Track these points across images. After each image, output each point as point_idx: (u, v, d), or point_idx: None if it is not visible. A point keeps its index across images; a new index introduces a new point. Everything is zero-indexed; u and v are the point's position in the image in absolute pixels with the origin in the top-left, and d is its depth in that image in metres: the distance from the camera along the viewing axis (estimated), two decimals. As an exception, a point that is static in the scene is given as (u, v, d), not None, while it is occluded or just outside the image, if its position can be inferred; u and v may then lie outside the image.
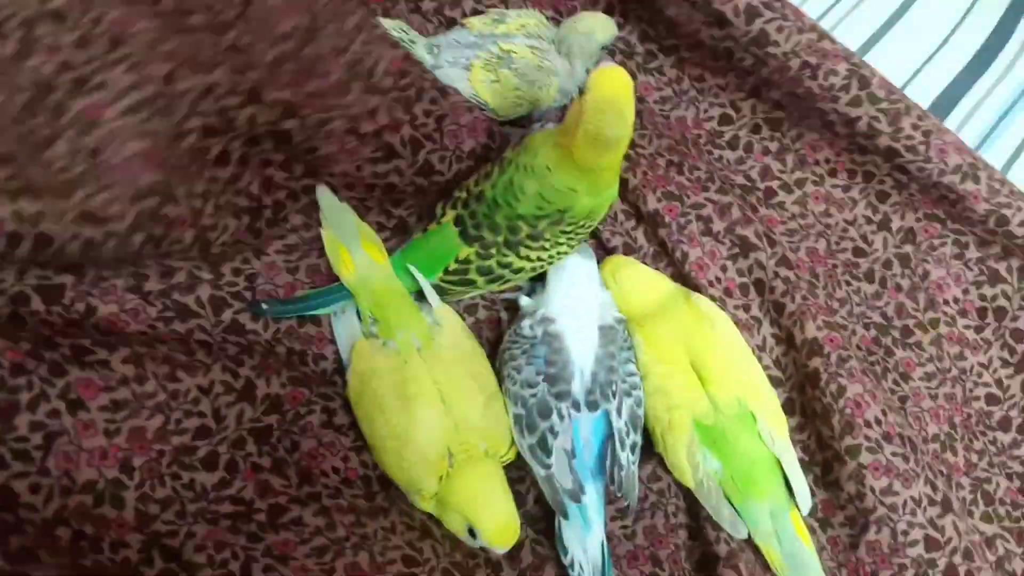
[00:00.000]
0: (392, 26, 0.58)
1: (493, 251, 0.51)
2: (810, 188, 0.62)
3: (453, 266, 0.52)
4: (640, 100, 0.63)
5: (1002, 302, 0.60)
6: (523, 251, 0.51)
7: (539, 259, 0.52)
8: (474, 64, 0.57)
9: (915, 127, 0.56)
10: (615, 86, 0.45)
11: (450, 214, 0.52)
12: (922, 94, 0.69)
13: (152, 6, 0.42)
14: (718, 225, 0.58)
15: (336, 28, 0.48)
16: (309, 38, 0.47)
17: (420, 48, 0.58)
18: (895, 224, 0.61)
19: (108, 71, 0.41)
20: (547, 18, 0.62)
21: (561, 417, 0.49)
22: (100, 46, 0.41)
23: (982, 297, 0.60)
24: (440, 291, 0.53)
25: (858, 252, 0.61)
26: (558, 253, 0.52)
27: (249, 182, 0.51)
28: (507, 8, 0.62)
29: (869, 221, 0.61)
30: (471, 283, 0.53)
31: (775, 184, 0.62)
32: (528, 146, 0.50)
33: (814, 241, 0.61)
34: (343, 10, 0.48)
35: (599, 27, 0.59)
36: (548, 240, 0.51)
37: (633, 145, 0.59)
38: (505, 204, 0.50)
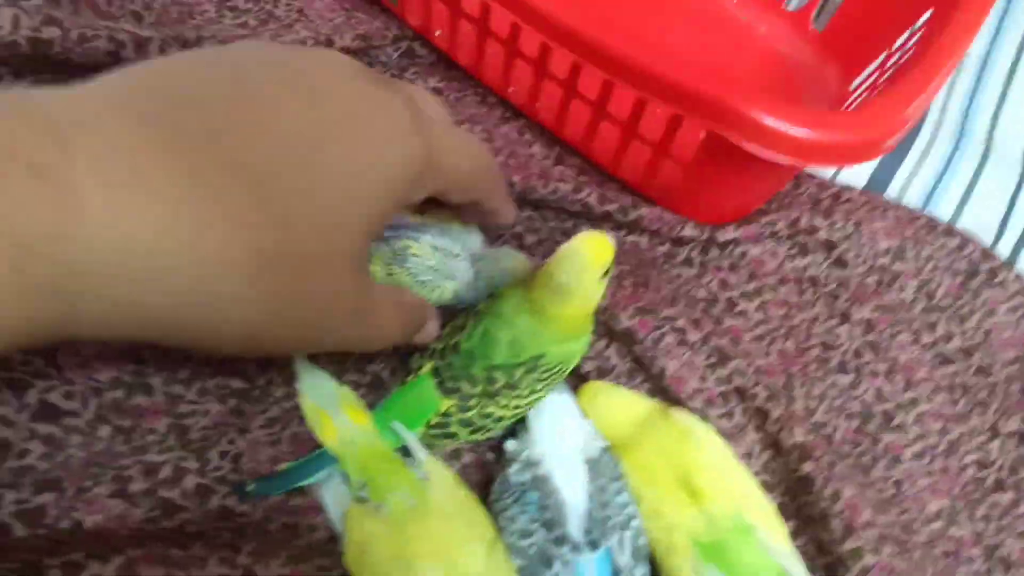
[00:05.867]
0: None
1: (472, 403, 0.51)
2: (768, 295, 0.64)
3: (434, 420, 0.51)
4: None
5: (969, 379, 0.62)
6: (502, 400, 0.50)
7: (517, 407, 0.51)
8: (374, 256, 0.52)
9: (846, 218, 0.62)
10: (590, 244, 0.46)
11: (427, 365, 0.52)
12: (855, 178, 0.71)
13: None
14: (693, 335, 0.58)
15: None
16: None
17: None
18: (855, 316, 0.63)
19: None
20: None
21: (565, 563, 0.47)
22: None
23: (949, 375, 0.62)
24: (424, 445, 0.51)
25: (826, 347, 0.63)
26: (536, 400, 0.52)
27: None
28: None
29: (830, 317, 0.63)
30: (453, 436, 0.52)
31: (735, 294, 0.64)
32: (498, 296, 0.51)
33: (782, 343, 0.62)
34: None
35: (520, 269, 0.54)
36: (525, 388, 0.50)
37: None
38: (481, 355, 0.50)
